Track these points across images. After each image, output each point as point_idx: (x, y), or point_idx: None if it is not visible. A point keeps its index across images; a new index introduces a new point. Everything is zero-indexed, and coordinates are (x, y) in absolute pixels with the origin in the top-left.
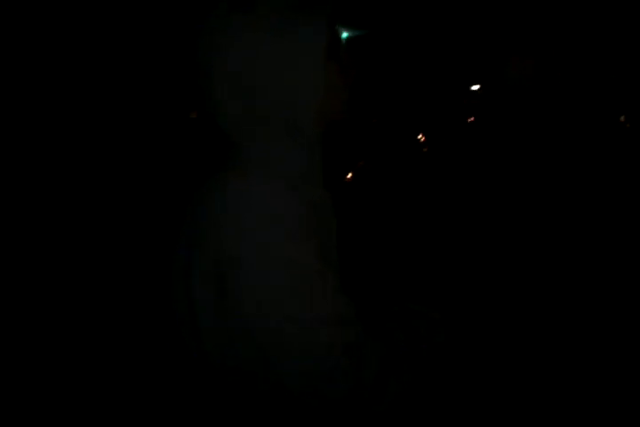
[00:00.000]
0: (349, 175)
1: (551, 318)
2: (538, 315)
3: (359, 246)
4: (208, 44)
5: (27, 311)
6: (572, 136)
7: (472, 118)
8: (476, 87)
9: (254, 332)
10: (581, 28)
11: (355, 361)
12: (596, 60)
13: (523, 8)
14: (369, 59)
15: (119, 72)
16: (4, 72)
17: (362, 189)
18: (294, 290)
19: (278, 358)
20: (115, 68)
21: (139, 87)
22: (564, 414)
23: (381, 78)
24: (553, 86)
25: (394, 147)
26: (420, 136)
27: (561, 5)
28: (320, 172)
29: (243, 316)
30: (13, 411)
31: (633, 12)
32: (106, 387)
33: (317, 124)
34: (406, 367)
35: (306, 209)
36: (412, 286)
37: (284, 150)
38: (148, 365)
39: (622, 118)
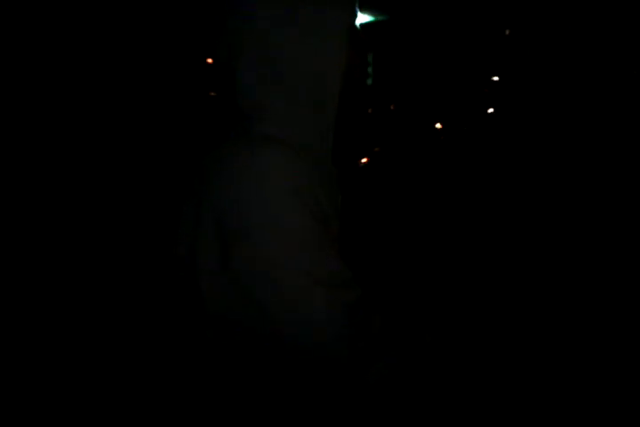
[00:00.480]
0: (364, 160)
1: (551, 319)
2: (537, 315)
3: (364, 229)
4: (238, 13)
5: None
6: (586, 130)
7: (491, 108)
8: (496, 78)
9: (259, 289)
10: (593, 24)
11: (354, 323)
12: (609, 56)
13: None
14: (389, 45)
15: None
16: (6, 69)
17: (375, 174)
18: (305, 249)
19: (280, 314)
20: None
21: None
22: (563, 413)
23: (400, 65)
24: (570, 81)
25: (410, 134)
26: (437, 124)
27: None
28: (330, 149)
29: (250, 272)
30: (13, 407)
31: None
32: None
33: (337, 103)
34: (403, 341)
35: (318, 185)
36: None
37: (304, 126)
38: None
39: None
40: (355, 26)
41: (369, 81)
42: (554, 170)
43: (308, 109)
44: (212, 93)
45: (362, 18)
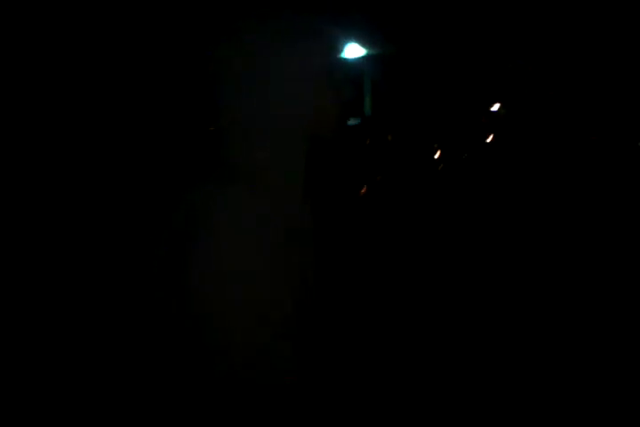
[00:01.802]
0: (364, 189)
1: (551, 319)
2: (537, 315)
3: (359, 260)
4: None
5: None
6: (587, 157)
7: (490, 137)
8: (495, 107)
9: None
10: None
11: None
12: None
13: (542, 30)
14: (387, 76)
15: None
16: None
17: (376, 203)
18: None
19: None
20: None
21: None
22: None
23: (400, 95)
24: (571, 110)
25: (409, 163)
26: (436, 154)
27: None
28: (302, 186)
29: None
30: (13, 408)
31: None
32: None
33: (307, 138)
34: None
35: (286, 222)
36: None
37: (272, 163)
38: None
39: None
40: (333, 67)
41: (367, 111)
42: (552, 195)
43: (277, 145)
44: (212, 128)
45: (358, 51)
